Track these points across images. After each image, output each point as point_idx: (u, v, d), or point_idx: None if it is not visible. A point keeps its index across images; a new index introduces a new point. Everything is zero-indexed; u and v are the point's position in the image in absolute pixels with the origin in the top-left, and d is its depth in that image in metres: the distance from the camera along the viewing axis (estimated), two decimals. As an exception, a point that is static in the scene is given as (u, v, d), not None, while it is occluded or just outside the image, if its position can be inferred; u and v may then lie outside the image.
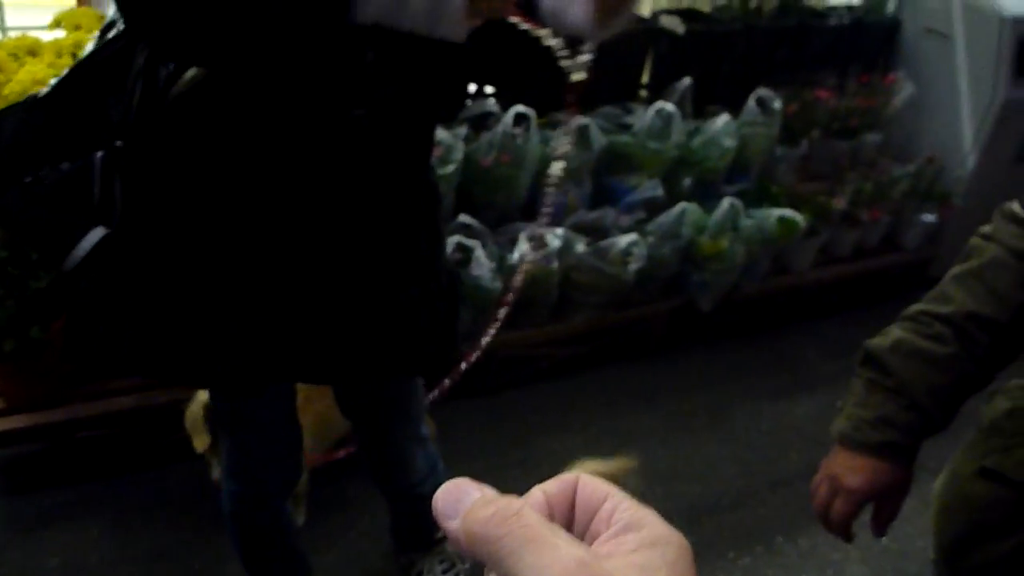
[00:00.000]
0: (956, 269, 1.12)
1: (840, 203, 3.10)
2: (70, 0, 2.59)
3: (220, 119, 1.19)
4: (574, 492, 0.41)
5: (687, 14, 3.05)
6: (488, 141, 2.51)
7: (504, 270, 2.51)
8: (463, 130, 2.52)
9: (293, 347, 1.33)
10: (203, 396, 1.86)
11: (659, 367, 2.93)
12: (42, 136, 1.23)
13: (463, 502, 0.39)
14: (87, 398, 2.22)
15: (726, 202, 2.80)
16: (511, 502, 0.39)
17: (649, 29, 2.95)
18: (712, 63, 3.01)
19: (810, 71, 3.18)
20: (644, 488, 2.47)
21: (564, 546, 0.36)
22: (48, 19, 2.23)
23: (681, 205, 2.76)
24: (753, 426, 2.72)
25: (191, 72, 1.15)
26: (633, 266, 2.66)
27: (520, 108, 2.52)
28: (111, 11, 1.25)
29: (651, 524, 0.39)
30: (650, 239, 2.74)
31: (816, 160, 3.28)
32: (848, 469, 1.12)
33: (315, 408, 1.94)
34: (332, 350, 1.36)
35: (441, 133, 2.42)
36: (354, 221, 1.28)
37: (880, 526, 1.16)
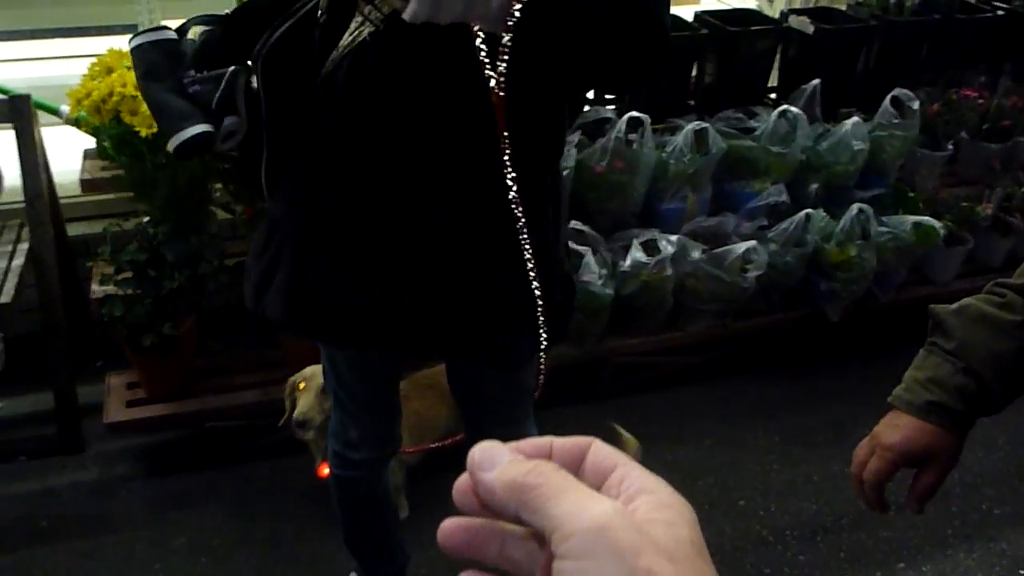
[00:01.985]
0: None
1: (988, 209, 2.89)
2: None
3: (355, 88, 1.23)
4: (583, 455, 0.42)
5: (819, 13, 2.93)
6: (602, 147, 2.50)
7: (616, 277, 2.50)
8: (576, 136, 2.53)
9: (400, 310, 1.37)
10: (311, 373, 1.96)
11: (780, 379, 2.83)
12: (213, 46, 1.34)
13: (498, 459, 0.40)
14: (215, 391, 2.38)
15: (854, 208, 2.67)
16: (545, 460, 0.40)
17: (777, 30, 2.86)
18: (845, 63, 2.88)
19: (956, 69, 2.98)
20: (758, 502, 2.40)
21: (600, 496, 0.38)
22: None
23: (805, 211, 2.65)
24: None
25: (341, 45, 1.21)
26: (752, 273, 2.58)
27: (634, 113, 2.50)
28: None
29: (662, 490, 0.40)
30: (772, 246, 2.65)
31: (963, 164, 3.08)
32: (889, 427, 1.07)
33: (414, 406, 2.00)
34: (418, 321, 1.39)
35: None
36: (450, 199, 1.31)
37: (917, 497, 1.09)
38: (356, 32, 1.20)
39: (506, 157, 1.19)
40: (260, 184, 1.38)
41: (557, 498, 0.37)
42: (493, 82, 1.09)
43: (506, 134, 1.16)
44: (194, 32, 1.35)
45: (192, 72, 1.32)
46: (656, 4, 1.20)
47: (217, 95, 1.30)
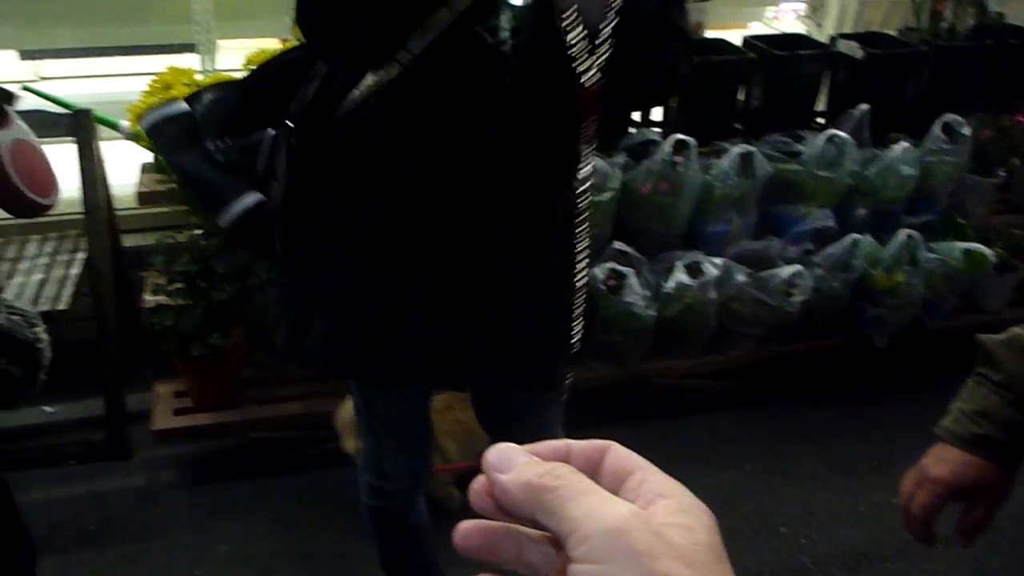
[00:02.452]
0: None
1: (1041, 237, 2.84)
2: (272, 42, 2.82)
3: (386, 128, 1.25)
4: (601, 458, 0.42)
5: (868, 37, 2.91)
6: (647, 169, 2.50)
7: (659, 298, 2.50)
8: (621, 159, 2.53)
9: (430, 345, 1.38)
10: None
11: (824, 406, 2.79)
12: (231, 113, 1.38)
13: (515, 460, 0.40)
14: (260, 402, 2.42)
15: (903, 234, 2.64)
16: (562, 463, 0.40)
17: (826, 54, 2.85)
18: (894, 88, 2.85)
19: (1008, 95, 2.94)
20: (800, 530, 2.37)
21: (617, 499, 0.38)
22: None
23: (852, 236, 2.63)
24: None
25: (365, 84, 1.22)
26: (797, 298, 2.56)
27: (680, 136, 2.50)
28: None
29: (681, 494, 0.39)
30: (818, 271, 2.63)
31: (1015, 191, 3.03)
32: (936, 460, 1.06)
33: (456, 416, 2.01)
34: (465, 353, 1.40)
35: (599, 162, 2.44)
36: (490, 230, 1.32)
37: (966, 532, 1.07)
38: (383, 72, 1.18)
39: (589, 149, 1.21)
40: (265, 244, 1.37)
41: (574, 500, 0.37)
42: (591, 72, 1.11)
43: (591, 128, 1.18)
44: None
45: (216, 142, 1.34)
46: (687, 25, 1.25)
47: (264, 162, 1.33)
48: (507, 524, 0.41)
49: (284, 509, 2.34)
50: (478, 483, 0.42)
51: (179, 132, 1.34)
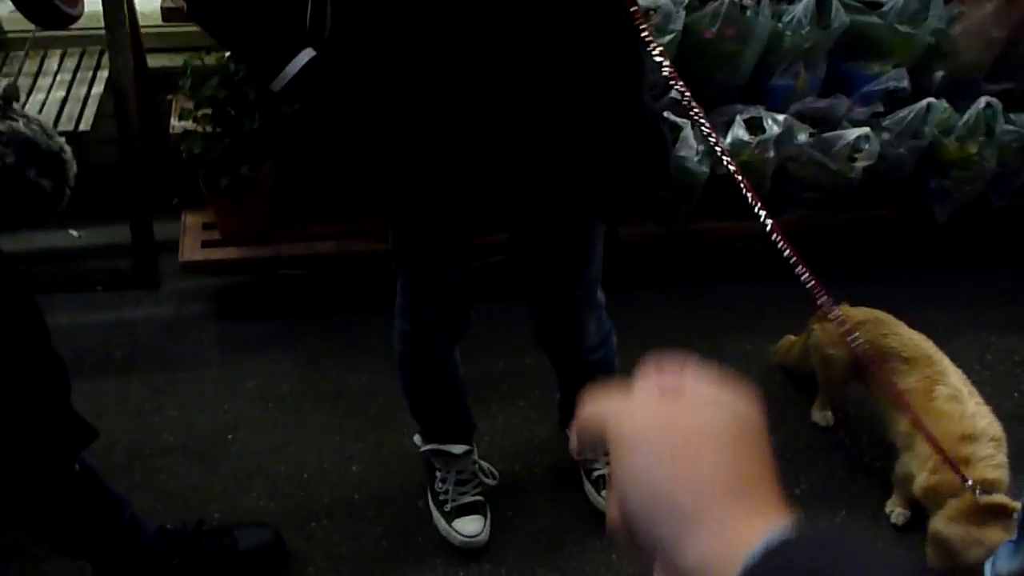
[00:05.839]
0: None
1: None
2: None
3: None
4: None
5: None
6: (713, 11, 2.29)
7: (714, 154, 2.35)
8: (686, -3, 2.32)
9: (484, 186, 1.33)
10: None
11: (876, 279, 2.66)
12: None
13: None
14: (291, 239, 2.34)
15: (982, 101, 2.44)
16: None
17: None
18: (993, -64, 2.58)
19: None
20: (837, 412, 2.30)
21: (630, 395, 0.46)
22: None
23: (927, 100, 2.44)
24: (975, 357, 2.43)
25: None
26: (860, 163, 2.40)
27: (753, -24, 2.28)
28: None
29: (712, 390, 0.46)
30: (885, 135, 2.46)
31: (1107, 62, 2.78)
32: None
33: None
34: (523, 190, 1.34)
35: (662, 0, 2.24)
36: (549, 52, 1.24)
37: None
38: None
39: None
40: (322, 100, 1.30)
41: (606, 414, 0.46)
42: None
43: None
44: None
45: None
46: None
47: (309, 12, 1.22)
48: None
49: (313, 349, 2.30)
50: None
51: None
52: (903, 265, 2.76)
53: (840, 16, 2.35)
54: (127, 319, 2.35)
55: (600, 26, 1.27)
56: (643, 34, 1.23)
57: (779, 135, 2.34)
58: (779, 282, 2.63)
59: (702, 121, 1.35)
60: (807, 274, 1.35)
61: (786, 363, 2.32)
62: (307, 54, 1.25)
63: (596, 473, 1.91)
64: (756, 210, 1.28)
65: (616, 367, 1.78)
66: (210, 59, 2.19)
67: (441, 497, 1.85)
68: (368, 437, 2.09)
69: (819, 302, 1.37)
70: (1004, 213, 2.73)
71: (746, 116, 2.36)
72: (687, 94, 1.28)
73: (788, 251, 1.33)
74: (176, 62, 2.42)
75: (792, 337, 2.33)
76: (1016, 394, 2.34)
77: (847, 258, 2.71)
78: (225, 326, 2.35)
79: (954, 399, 1.83)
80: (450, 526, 1.83)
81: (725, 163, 1.40)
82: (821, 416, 2.20)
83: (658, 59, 1.22)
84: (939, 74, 2.55)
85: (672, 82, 1.28)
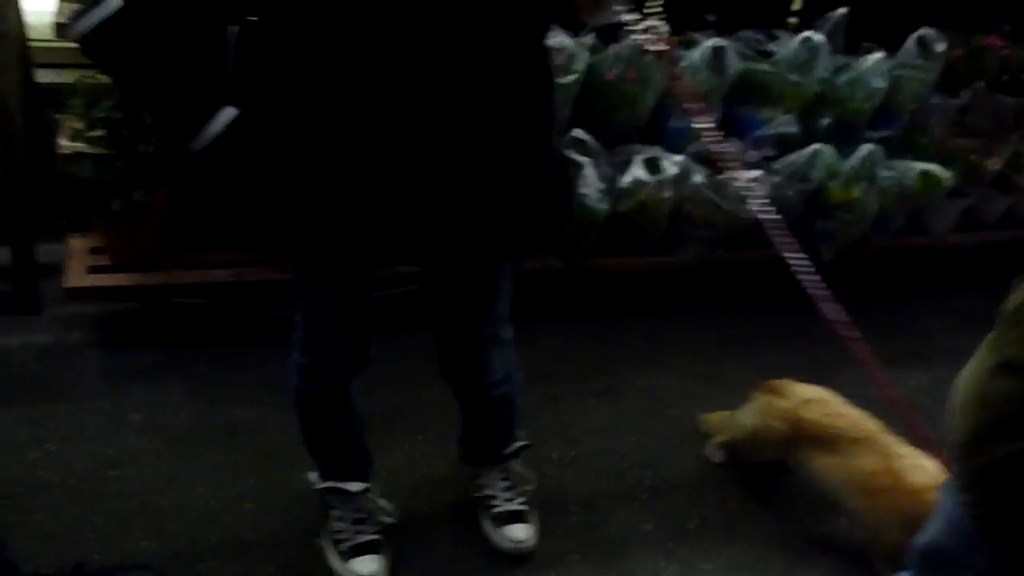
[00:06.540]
0: None
1: (995, 164, 2.82)
2: None
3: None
4: None
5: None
6: (615, 54, 2.36)
7: (613, 192, 2.40)
8: (590, 39, 2.38)
9: (395, 228, 1.33)
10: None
11: (764, 315, 2.77)
12: (176, 5, 1.21)
13: None
14: (185, 266, 2.27)
15: (865, 148, 2.58)
16: None
17: (809, -49, 2.71)
18: (874, -6, 2.75)
19: (984, 16, 2.86)
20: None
21: None
22: None
23: (815, 146, 2.56)
24: (857, 392, 2.55)
25: None
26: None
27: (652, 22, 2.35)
28: None
29: None
30: (776, 178, 2.56)
31: (975, 114, 2.99)
32: None
33: None
34: (434, 231, 1.35)
35: (566, 40, 2.29)
36: (459, 97, 1.26)
37: None
38: None
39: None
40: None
41: None
42: None
43: None
44: None
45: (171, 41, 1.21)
46: None
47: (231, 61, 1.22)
48: None
49: (204, 380, 2.22)
50: None
51: (121, 37, 1.18)
52: (790, 302, 2.86)
53: (734, 63, 2.45)
54: (3, 346, 2.23)
55: (511, 69, 1.28)
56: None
57: (676, 175, 2.41)
58: (677, 317, 2.74)
59: (735, 176, 1.38)
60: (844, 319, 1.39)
61: (725, 439, 2.23)
62: (229, 112, 1.20)
63: (496, 510, 1.90)
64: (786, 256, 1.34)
65: (516, 401, 1.80)
66: (105, 77, 2.11)
67: (337, 536, 1.80)
68: (261, 473, 2.02)
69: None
70: (884, 254, 2.88)
71: (645, 156, 2.43)
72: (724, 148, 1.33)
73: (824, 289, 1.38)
74: (67, 78, 2.33)
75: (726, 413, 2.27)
76: (896, 427, 2.45)
77: (738, 294, 2.80)
78: (111, 355, 2.26)
79: (919, 469, 1.82)
80: (346, 566, 1.78)
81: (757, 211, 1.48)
82: (715, 453, 2.25)
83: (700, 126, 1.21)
84: (825, 120, 2.69)
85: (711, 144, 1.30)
